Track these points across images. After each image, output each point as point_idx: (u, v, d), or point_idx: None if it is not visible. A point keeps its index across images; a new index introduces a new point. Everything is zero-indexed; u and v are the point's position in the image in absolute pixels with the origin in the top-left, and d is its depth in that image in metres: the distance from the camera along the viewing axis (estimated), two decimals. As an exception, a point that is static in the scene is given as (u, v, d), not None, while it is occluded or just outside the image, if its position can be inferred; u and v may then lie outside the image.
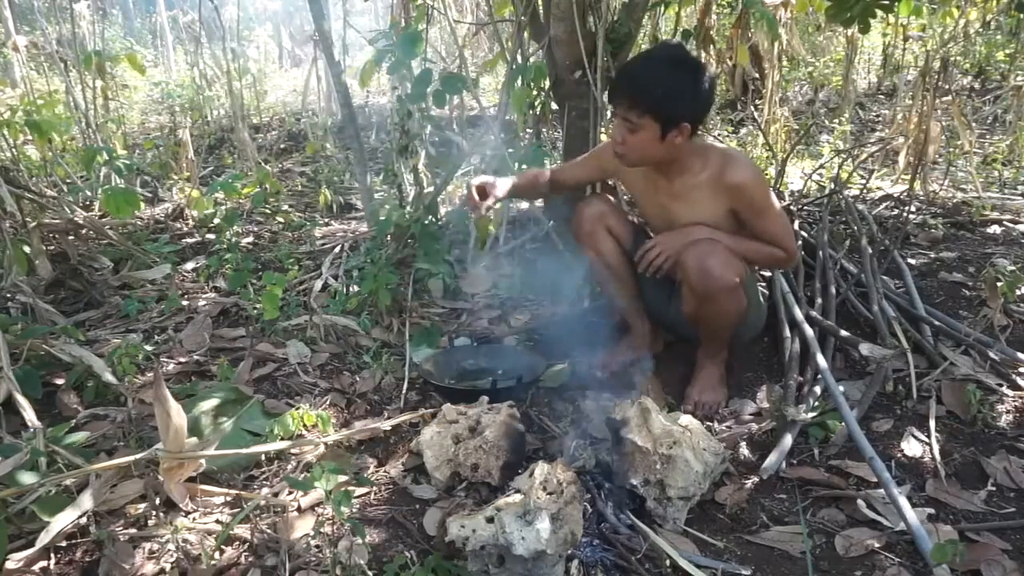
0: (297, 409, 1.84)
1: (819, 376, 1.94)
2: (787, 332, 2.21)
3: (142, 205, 3.67)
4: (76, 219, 3.07)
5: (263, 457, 1.77)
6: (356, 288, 2.75)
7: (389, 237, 3.02)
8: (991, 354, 2.08)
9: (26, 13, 8.32)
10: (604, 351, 2.28)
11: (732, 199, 1.90)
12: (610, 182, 2.42)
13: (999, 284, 2.27)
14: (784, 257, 1.99)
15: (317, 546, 1.44)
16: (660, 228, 2.07)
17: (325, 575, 1.38)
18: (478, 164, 3.60)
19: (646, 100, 1.77)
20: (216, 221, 3.67)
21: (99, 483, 1.54)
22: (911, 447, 1.79)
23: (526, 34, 2.82)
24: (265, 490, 1.67)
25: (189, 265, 3.25)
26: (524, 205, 3.19)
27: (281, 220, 3.90)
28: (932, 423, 1.83)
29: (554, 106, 2.91)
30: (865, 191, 3.70)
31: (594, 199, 2.23)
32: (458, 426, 1.74)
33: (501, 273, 2.97)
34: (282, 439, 1.78)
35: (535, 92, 2.84)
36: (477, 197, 2.05)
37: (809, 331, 2.11)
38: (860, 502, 1.59)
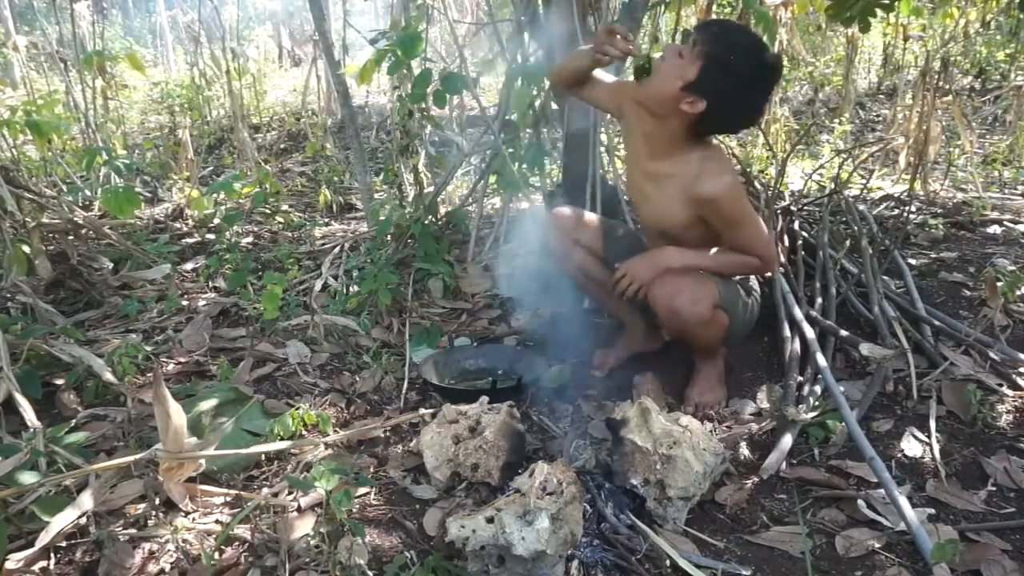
0: (297, 409, 1.84)
1: (819, 376, 1.94)
2: (787, 332, 2.21)
3: (142, 204, 3.67)
4: (76, 219, 3.07)
5: (263, 457, 1.77)
6: (356, 288, 2.75)
7: (389, 237, 3.02)
8: (991, 354, 2.07)
9: (26, 13, 8.32)
10: (602, 350, 2.28)
11: (701, 210, 1.84)
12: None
13: (999, 284, 2.26)
14: (759, 265, 1.94)
15: (317, 546, 1.44)
16: (636, 199, 2.07)
17: (325, 575, 1.38)
18: (478, 164, 3.60)
19: (711, 46, 1.71)
20: (216, 221, 3.67)
21: (99, 483, 1.54)
22: (911, 447, 1.79)
23: (526, 34, 2.82)
24: (265, 490, 1.66)
25: (189, 265, 3.25)
26: (524, 204, 3.19)
27: (281, 220, 3.91)
28: (932, 423, 1.83)
29: (554, 106, 2.91)
30: (865, 191, 3.70)
31: (559, 215, 2.20)
32: (458, 426, 1.74)
33: (501, 273, 2.97)
34: (282, 439, 1.78)
35: (535, 92, 2.84)
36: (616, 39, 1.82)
37: (809, 331, 2.10)
38: (860, 502, 1.59)
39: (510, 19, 2.87)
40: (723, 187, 1.80)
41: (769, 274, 2.34)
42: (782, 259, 2.56)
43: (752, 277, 2.09)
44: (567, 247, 2.16)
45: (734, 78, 1.71)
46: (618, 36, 1.82)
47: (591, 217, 2.25)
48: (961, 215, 3.41)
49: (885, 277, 2.58)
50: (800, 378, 2.03)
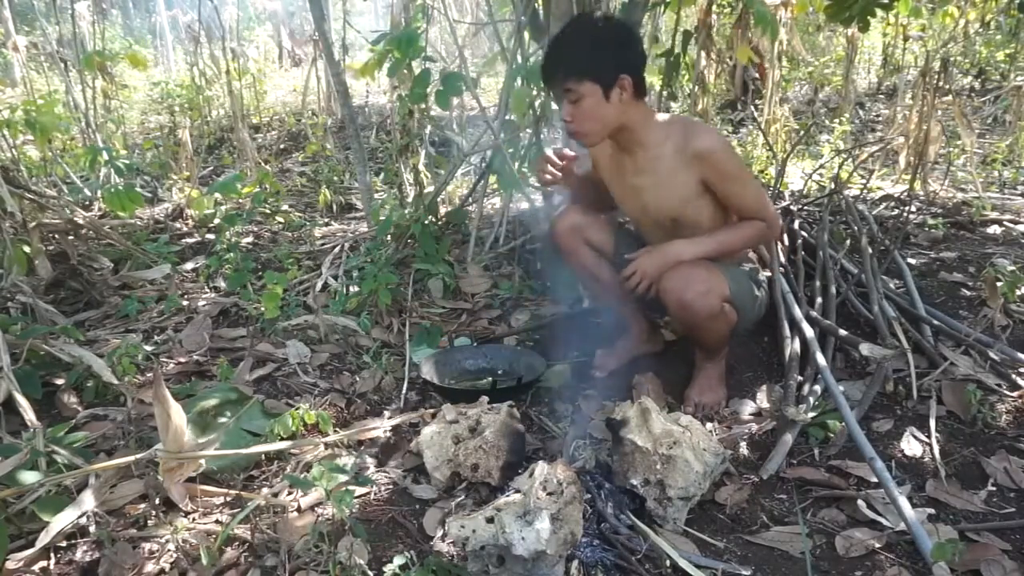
0: (297, 409, 1.84)
1: (819, 376, 1.94)
2: (787, 332, 2.21)
3: (143, 203, 3.67)
4: (76, 219, 3.07)
5: (263, 457, 1.77)
6: (356, 288, 2.75)
7: (389, 237, 3.02)
8: (991, 354, 2.07)
9: (26, 13, 8.33)
10: (603, 351, 2.28)
11: (701, 168, 1.84)
12: None
13: (999, 284, 2.27)
14: (766, 228, 1.93)
15: (317, 546, 1.44)
16: (636, 212, 2.06)
17: (325, 575, 1.38)
18: (478, 164, 3.60)
19: (576, 63, 1.77)
20: (216, 221, 3.67)
21: (99, 483, 1.54)
22: (911, 447, 1.79)
23: (526, 34, 2.82)
24: (265, 490, 1.67)
25: (189, 265, 3.25)
26: (524, 204, 3.19)
27: (281, 220, 3.91)
28: (932, 423, 1.83)
29: (554, 106, 2.91)
30: (865, 191, 3.70)
31: (567, 212, 2.17)
32: (458, 426, 1.74)
33: (501, 273, 2.98)
34: (282, 439, 1.78)
35: (535, 92, 2.84)
36: (557, 166, 1.99)
37: (809, 331, 2.10)
38: (860, 502, 1.59)
39: (510, 19, 2.87)
40: (716, 141, 1.84)
41: (776, 240, 2.31)
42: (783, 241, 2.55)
43: (761, 271, 2.08)
44: (576, 247, 2.13)
45: (603, 42, 1.78)
46: (546, 164, 1.98)
47: (602, 216, 2.20)
48: (961, 215, 3.41)
49: (885, 277, 2.58)
50: (800, 378, 2.03)
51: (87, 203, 3.87)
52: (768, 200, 1.94)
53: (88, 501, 1.48)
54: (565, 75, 1.79)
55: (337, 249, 3.28)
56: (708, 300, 1.85)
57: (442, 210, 3.28)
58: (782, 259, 2.54)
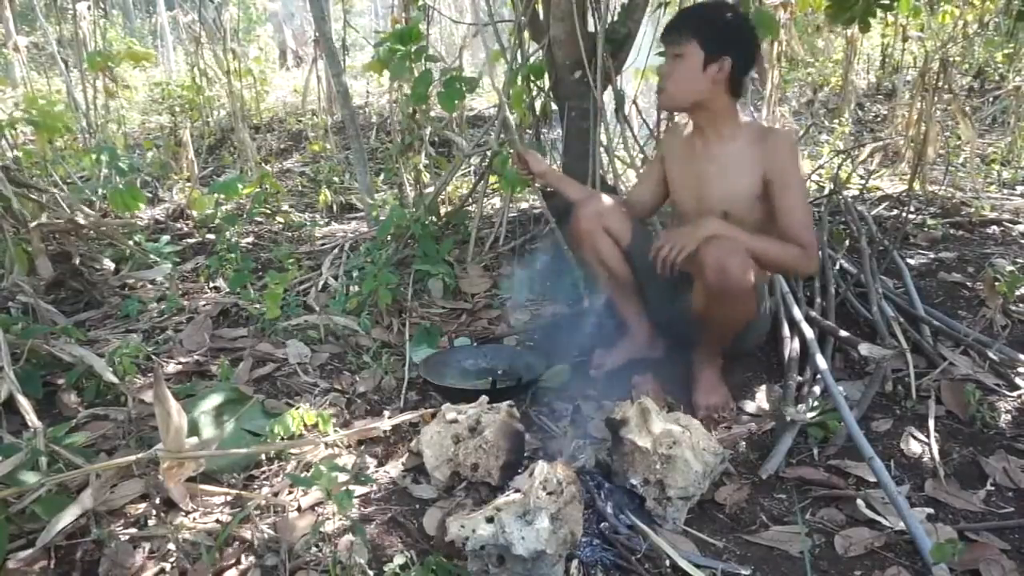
0: (297, 409, 1.84)
1: (818, 376, 1.95)
2: (787, 332, 2.21)
3: (144, 204, 3.67)
4: (77, 219, 3.07)
5: (263, 457, 1.77)
6: (356, 288, 2.75)
7: (389, 237, 3.02)
8: (990, 354, 2.08)
9: (26, 13, 8.33)
10: (601, 350, 2.28)
11: (768, 161, 1.86)
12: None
13: (998, 284, 2.27)
14: (802, 256, 1.85)
15: (317, 546, 1.44)
16: (689, 201, 2.04)
17: (325, 575, 1.38)
18: (478, 164, 3.60)
19: (692, 22, 1.89)
20: (216, 221, 3.67)
21: (99, 483, 1.54)
22: (910, 447, 1.79)
23: (526, 34, 2.82)
24: (265, 490, 1.67)
25: (189, 265, 3.25)
26: (523, 204, 3.19)
27: (281, 220, 3.91)
28: (931, 423, 1.83)
29: (554, 106, 2.91)
30: (864, 191, 3.70)
31: (592, 199, 2.15)
32: (458, 426, 1.74)
33: (501, 273, 2.98)
34: (282, 439, 1.78)
35: (535, 92, 2.84)
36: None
37: (808, 331, 2.10)
38: (859, 502, 1.59)
39: (510, 19, 2.87)
40: (791, 142, 1.93)
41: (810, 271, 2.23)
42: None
43: (767, 295, 2.08)
44: (596, 232, 2.10)
45: (724, 20, 1.89)
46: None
47: (623, 210, 2.18)
48: (960, 215, 3.41)
49: (884, 277, 2.58)
50: (800, 378, 2.03)
51: (88, 203, 3.87)
52: (813, 228, 1.90)
53: (88, 501, 1.48)
54: (678, 31, 1.89)
55: (337, 249, 3.28)
56: (745, 273, 1.78)
57: (442, 210, 3.28)
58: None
